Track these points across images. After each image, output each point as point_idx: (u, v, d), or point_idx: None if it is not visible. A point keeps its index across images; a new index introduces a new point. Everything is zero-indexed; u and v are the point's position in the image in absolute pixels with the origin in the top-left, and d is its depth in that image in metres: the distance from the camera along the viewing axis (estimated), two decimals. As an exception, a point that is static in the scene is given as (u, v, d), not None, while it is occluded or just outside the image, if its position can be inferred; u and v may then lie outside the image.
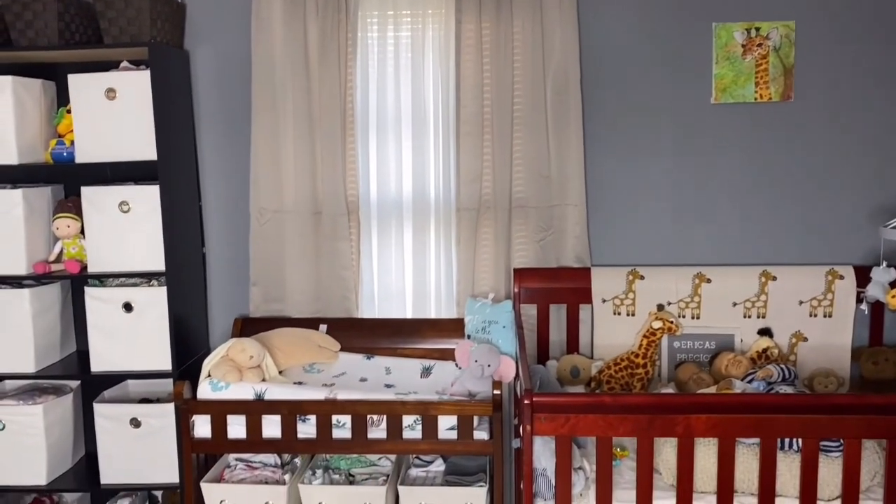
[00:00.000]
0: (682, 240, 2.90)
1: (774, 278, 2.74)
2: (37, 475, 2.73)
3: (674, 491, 2.11)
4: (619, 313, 2.81)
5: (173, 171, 2.73)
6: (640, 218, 2.90)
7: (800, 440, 2.07)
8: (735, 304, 2.76)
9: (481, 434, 2.44)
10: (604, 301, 2.82)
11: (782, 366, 2.40)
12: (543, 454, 2.14)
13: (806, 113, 2.81)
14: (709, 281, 2.76)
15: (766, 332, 2.74)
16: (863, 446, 2.09)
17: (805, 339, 2.74)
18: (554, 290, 2.85)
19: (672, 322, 2.69)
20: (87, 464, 2.92)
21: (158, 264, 2.65)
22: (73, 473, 2.86)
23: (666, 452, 2.19)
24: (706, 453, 2.14)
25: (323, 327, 2.92)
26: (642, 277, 2.79)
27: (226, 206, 3.00)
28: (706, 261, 2.85)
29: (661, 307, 2.78)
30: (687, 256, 2.88)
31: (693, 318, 2.77)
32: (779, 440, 2.09)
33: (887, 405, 1.99)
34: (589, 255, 2.90)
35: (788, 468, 2.10)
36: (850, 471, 2.03)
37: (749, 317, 2.76)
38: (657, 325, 2.69)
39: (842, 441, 2.05)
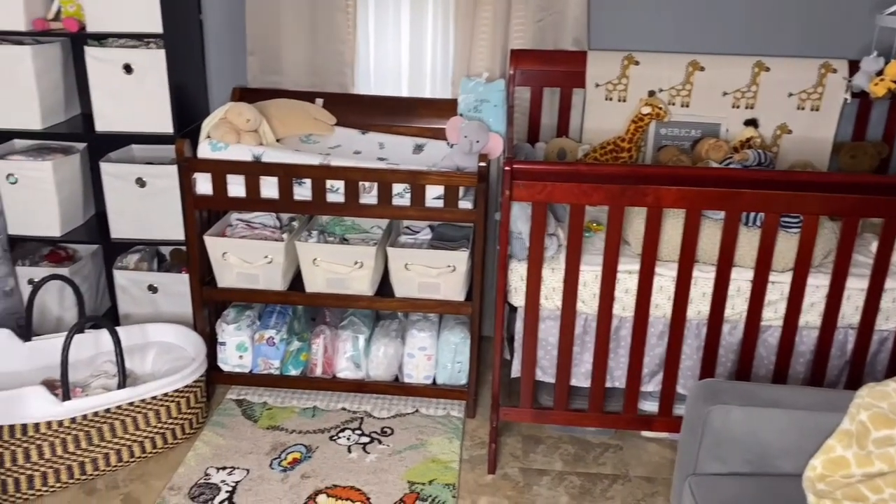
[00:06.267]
0: (681, 27, 2.87)
1: (768, 69, 2.75)
2: (51, 227, 2.92)
3: (639, 259, 2.27)
4: (611, 98, 2.85)
5: (166, -72, 2.67)
6: (640, 2, 2.86)
7: (761, 216, 2.20)
8: (725, 94, 2.79)
9: (466, 204, 2.58)
10: (597, 85, 2.84)
11: (759, 151, 2.47)
12: (520, 219, 2.27)
13: None
14: (702, 69, 2.77)
15: (752, 122, 2.79)
16: (821, 225, 2.23)
17: (790, 132, 2.80)
18: (549, 72, 2.87)
19: (661, 108, 2.74)
20: (98, 221, 3.11)
21: (156, 26, 2.66)
22: (85, 228, 3.06)
23: (636, 224, 2.33)
24: (673, 225, 2.27)
25: (319, 101, 2.98)
26: (637, 63, 2.80)
27: (222, -29, 2.95)
28: (702, 50, 2.84)
29: (652, 93, 2.81)
30: (684, 44, 2.87)
31: (683, 105, 2.81)
32: (742, 215, 2.23)
33: (846, 183, 2.09)
34: (587, 38, 2.89)
35: (749, 241, 2.24)
36: (806, 245, 2.17)
37: (737, 107, 2.79)
38: (646, 110, 2.74)
39: (801, 218, 2.17)
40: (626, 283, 2.31)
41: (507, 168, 2.16)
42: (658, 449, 2.62)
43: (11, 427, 2.23)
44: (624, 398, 2.42)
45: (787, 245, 2.24)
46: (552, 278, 2.34)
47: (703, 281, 2.28)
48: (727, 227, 2.17)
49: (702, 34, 2.87)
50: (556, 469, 2.52)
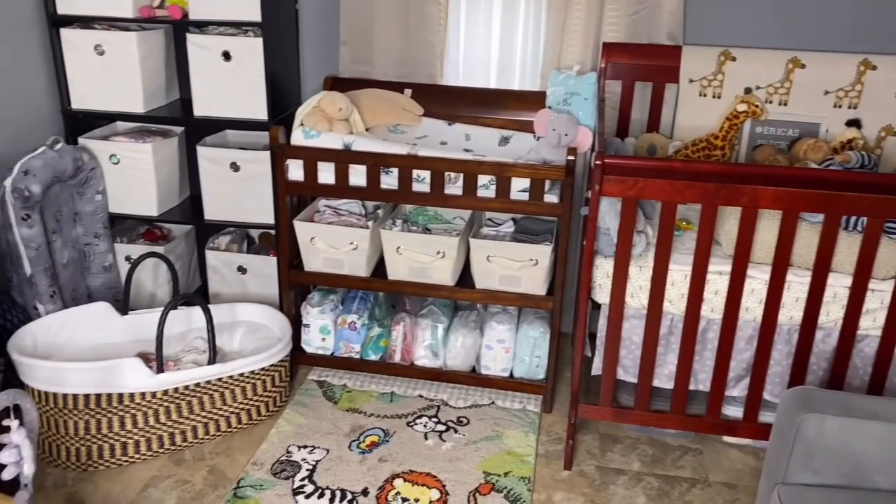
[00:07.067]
0: (781, 22, 2.77)
1: (874, 68, 2.63)
2: (149, 206, 3.04)
3: (730, 260, 2.21)
4: (705, 95, 2.78)
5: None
6: (740, -4, 2.78)
7: (863, 220, 2.11)
8: (827, 93, 2.68)
9: (551, 198, 2.57)
10: (691, 81, 2.78)
11: (862, 153, 2.37)
12: (609, 214, 2.25)
13: None
14: (803, 66, 2.67)
15: (854, 123, 2.68)
16: (929, 232, 2.13)
17: (895, 134, 2.68)
18: (641, 66, 2.82)
19: (757, 106, 2.66)
20: (192, 203, 3.23)
21: (255, 14, 2.74)
22: (180, 209, 3.18)
23: (729, 224, 2.27)
24: (768, 226, 2.20)
25: (408, 91, 3.01)
26: (734, 59, 2.72)
27: (318, -38, 3.01)
28: (804, 46, 2.74)
29: (748, 90, 2.73)
30: (784, 40, 2.77)
31: (780, 104, 2.72)
32: (843, 218, 2.14)
33: (961, 189, 1.99)
34: (682, 32, 2.82)
35: (848, 246, 2.16)
36: (910, 253, 2.08)
37: (839, 106, 2.68)
38: (742, 107, 2.66)
39: (907, 224, 2.08)
40: (716, 285, 2.25)
41: (598, 162, 2.13)
42: (740, 455, 2.56)
43: (109, 395, 2.35)
44: (707, 402, 2.37)
45: (890, 252, 2.14)
46: (639, 276, 2.30)
47: (797, 285, 2.21)
48: (826, 230, 2.10)
49: (803, 30, 2.77)
50: (633, 469, 2.49)
